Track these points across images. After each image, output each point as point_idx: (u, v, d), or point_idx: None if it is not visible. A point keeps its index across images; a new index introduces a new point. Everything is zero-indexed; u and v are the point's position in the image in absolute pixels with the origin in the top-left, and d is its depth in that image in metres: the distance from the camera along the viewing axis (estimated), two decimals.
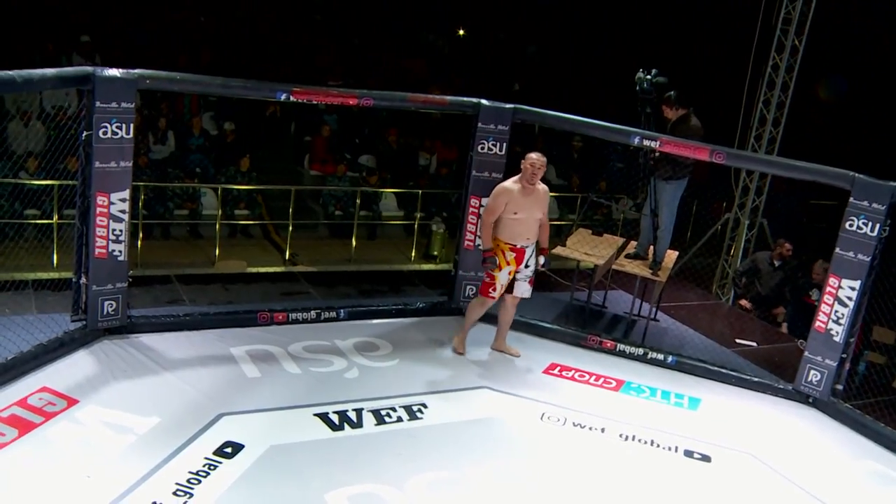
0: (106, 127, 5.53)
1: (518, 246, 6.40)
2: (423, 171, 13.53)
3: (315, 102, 6.61)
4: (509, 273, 6.45)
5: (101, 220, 5.76)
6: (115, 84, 5.52)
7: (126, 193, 5.85)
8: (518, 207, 6.31)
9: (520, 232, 6.38)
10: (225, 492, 4.52)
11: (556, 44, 18.24)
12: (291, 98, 6.29)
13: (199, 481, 4.56)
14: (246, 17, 15.47)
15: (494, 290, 6.46)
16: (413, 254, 11.89)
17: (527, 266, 6.51)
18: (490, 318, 6.87)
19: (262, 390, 5.76)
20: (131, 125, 5.67)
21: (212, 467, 4.71)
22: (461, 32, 18.38)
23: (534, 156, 6.34)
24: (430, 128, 14.17)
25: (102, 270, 5.90)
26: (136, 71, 5.62)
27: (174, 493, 4.42)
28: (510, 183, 6.40)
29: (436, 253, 11.70)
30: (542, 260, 6.63)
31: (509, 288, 6.53)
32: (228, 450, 4.92)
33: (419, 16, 17.57)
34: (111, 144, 5.61)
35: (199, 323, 6.54)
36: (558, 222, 13.56)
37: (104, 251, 5.85)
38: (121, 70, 5.55)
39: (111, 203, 5.77)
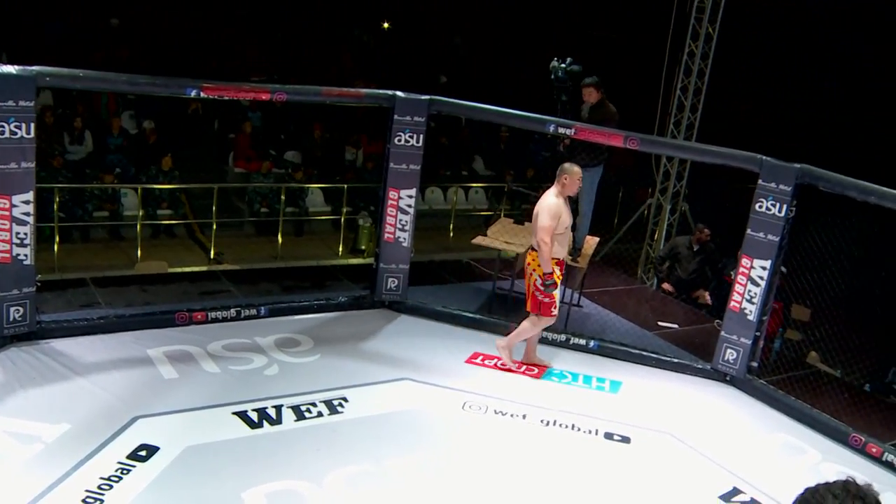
0: (3, 126, 5.35)
1: (561, 259, 6.46)
2: (350, 166, 13.48)
3: (227, 98, 6.47)
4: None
5: (2, 224, 5.57)
6: (11, 81, 5.34)
7: (30, 195, 5.67)
8: (566, 220, 6.36)
9: (564, 245, 6.46)
10: (138, 495, 4.43)
11: (481, 35, 18.29)
12: (202, 94, 6.16)
13: (111, 486, 4.46)
14: (168, 12, 15.16)
15: (555, 307, 6.42)
16: (340, 249, 11.85)
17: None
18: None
19: (179, 391, 5.66)
20: (32, 124, 5.49)
21: (125, 471, 4.61)
22: (386, 26, 18.30)
23: (577, 168, 6.37)
24: (356, 122, 14.11)
25: (7, 275, 5.72)
26: (35, 68, 5.44)
27: (83, 501, 4.31)
28: (556, 198, 6.30)
29: (363, 247, 11.68)
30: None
31: None
32: (143, 453, 4.82)
33: (344, 10, 17.45)
34: (10, 145, 5.43)
35: (114, 325, 6.39)
36: (487, 212, 13.69)
37: (7, 255, 5.67)
38: (17, 66, 5.37)
39: (13, 206, 5.58)
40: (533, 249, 6.38)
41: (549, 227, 6.20)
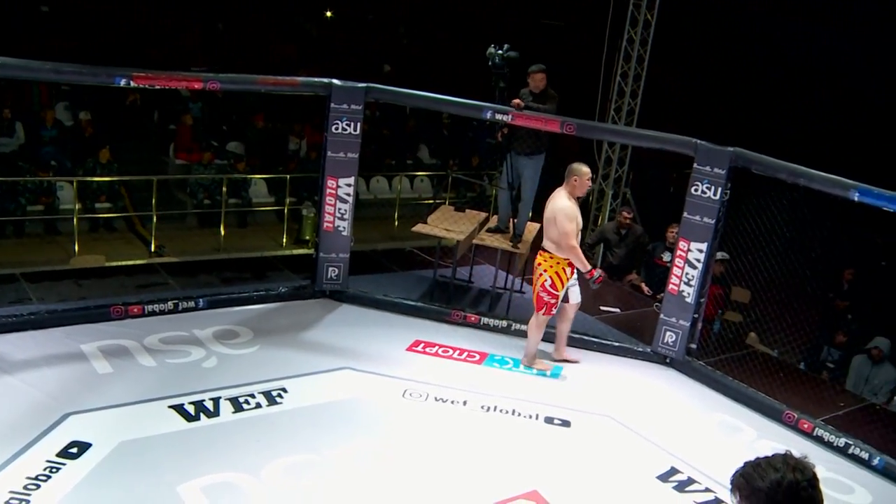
0: None
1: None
2: (294, 156, 13.34)
3: (159, 87, 6.34)
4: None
5: None
6: None
7: None
8: (580, 221, 6.44)
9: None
10: (67, 494, 4.33)
11: (425, 23, 18.25)
12: (132, 83, 6.05)
13: (38, 486, 4.35)
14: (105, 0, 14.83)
15: (556, 307, 6.48)
16: (285, 239, 11.74)
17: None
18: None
19: (113, 386, 5.56)
20: None
21: (54, 470, 4.51)
22: (329, 14, 18.14)
23: (587, 169, 6.39)
24: (299, 112, 13.96)
25: None
26: None
27: (6, 503, 4.20)
28: (568, 201, 6.34)
29: (308, 237, 11.56)
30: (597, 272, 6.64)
31: (565, 297, 6.51)
32: (74, 450, 4.72)
33: None
34: None
35: (45, 321, 6.24)
36: (431, 201, 13.64)
37: None
38: None
39: None
40: (544, 251, 6.40)
41: (571, 230, 6.25)
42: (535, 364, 6.63)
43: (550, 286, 6.35)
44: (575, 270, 6.45)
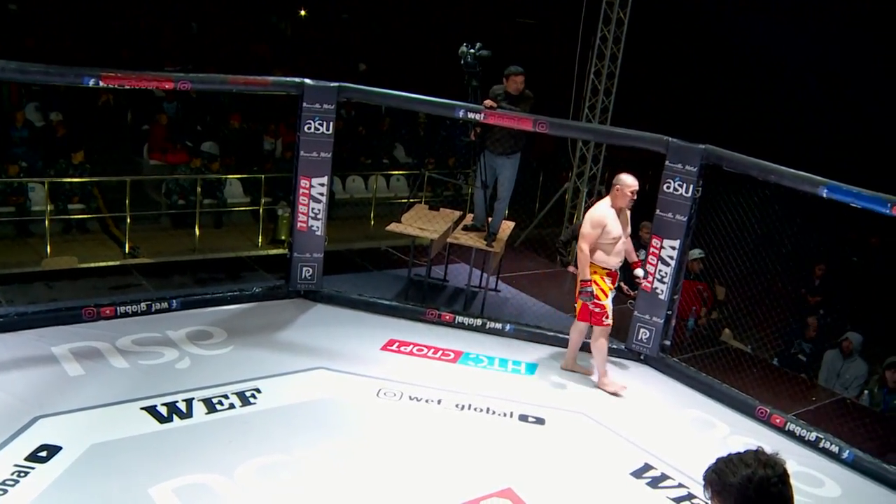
0: None
1: (613, 269, 6.37)
2: (269, 156, 13.27)
3: (129, 87, 6.27)
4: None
5: None
6: None
7: None
8: (615, 231, 6.24)
9: (614, 255, 6.32)
10: (35, 498, 4.28)
11: (400, 21, 18.23)
12: (101, 83, 6.00)
13: (5, 491, 4.29)
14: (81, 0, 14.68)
15: (607, 317, 6.31)
16: (260, 240, 11.69)
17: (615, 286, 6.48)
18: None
19: (84, 388, 5.51)
20: None
21: (22, 474, 4.45)
22: (303, 13, 18.08)
23: (631, 181, 6.24)
24: (275, 111, 13.89)
25: None
26: None
27: None
28: (604, 207, 6.28)
29: (283, 237, 11.49)
30: (640, 272, 6.70)
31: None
32: (43, 454, 4.67)
33: None
34: None
35: (15, 324, 6.17)
36: (407, 200, 13.63)
37: None
38: None
39: None
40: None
41: (588, 234, 6.20)
42: (607, 386, 6.43)
43: (591, 301, 6.25)
44: (617, 280, 6.42)
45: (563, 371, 6.73)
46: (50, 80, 6.21)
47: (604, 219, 6.22)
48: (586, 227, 6.24)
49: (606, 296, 6.30)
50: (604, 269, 6.29)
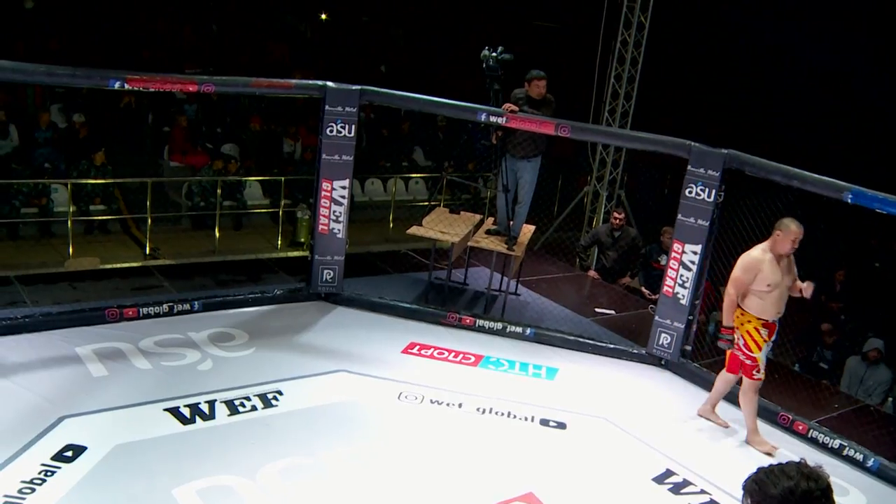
0: None
1: (770, 321, 5.77)
2: (289, 158, 13.34)
3: (153, 90, 6.31)
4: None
5: None
6: None
7: None
8: (771, 279, 5.64)
9: (772, 305, 5.72)
10: (62, 498, 4.31)
11: (421, 24, 18.25)
12: (126, 86, 6.04)
13: (33, 490, 4.34)
14: (102, 2, 14.78)
15: (759, 370, 5.80)
16: (279, 242, 11.74)
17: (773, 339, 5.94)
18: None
19: (108, 389, 5.55)
20: None
21: (49, 473, 4.49)
22: (324, 17, 18.14)
23: (795, 227, 5.61)
24: (294, 114, 13.96)
25: None
26: None
27: None
28: (759, 252, 5.71)
29: (303, 240, 11.56)
30: (809, 286, 5.85)
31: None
32: (69, 453, 4.71)
33: (280, 0, 17.26)
34: None
35: (41, 324, 6.23)
36: (426, 203, 13.67)
37: None
38: None
39: None
40: (738, 306, 5.80)
41: (737, 279, 5.69)
42: (758, 444, 5.88)
43: (744, 346, 5.78)
44: (775, 332, 5.85)
45: (583, 376, 6.70)
46: (76, 82, 6.28)
47: (759, 264, 5.65)
48: (737, 271, 5.71)
49: (760, 348, 5.75)
50: (759, 318, 5.72)
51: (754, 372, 5.80)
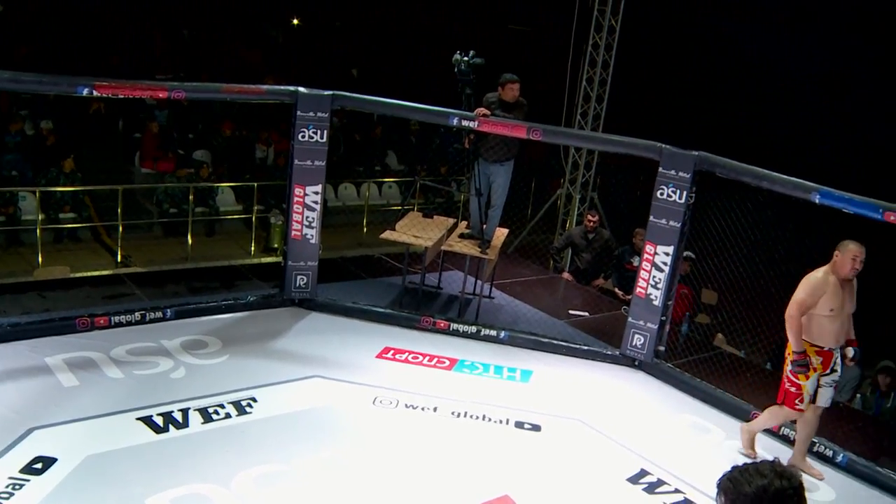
0: None
1: (826, 349, 5.43)
2: (261, 164, 13.28)
3: (123, 96, 6.26)
4: (816, 380, 5.48)
5: None
6: None
7: None
8: (835, 303, 5.31)
9: (831, 332, 5.39)
10: None
11: (393, 29, 18.25)
12: (95, 93, 5.97)
13: None
14: (71, 7, 14.64)
15: (802, 401, 5.44)
16: (253, 248, 11.68)
17: (833, 371, 5.49)
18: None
19: (79, 399, 5.48)
20: None
21: (16, 487, 4.42)
22: (295, 22, 18.09)
23: (854, 246, 5.30)
24: (266, 119, 13.91)
25: None
26: None
27: None
28: (823, 274, 5.36)
29: (276, 245, 11.52)
30: (850, 352, 5.54)
31: (814, 396, 5.51)
32: (38, 466, 4.64)
33: (252, 6, 17.20)
34: None
35: (8, 334, 6.13)
36: (399, 207, 13.68)
37: None
38: None
39: None
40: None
41: (800, 300, 5.34)
42: (745, 447, 5.76)
43: (791, 373, 5.44)
44: (832, 363, 5.46)
45: (557, 378, 6.74)
46: (43, 89, 6.19)
47: (823, 286, 5.32)
48: (800, 293, 5.36)
49: (807, 377, 5.41)
50: (813, 345, 5.41)
51: (797, 402, 5.46)
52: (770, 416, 5.72)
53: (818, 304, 5.32)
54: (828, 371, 5.46)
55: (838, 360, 5.49)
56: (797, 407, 5.47)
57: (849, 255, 5.29)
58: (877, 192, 5.71)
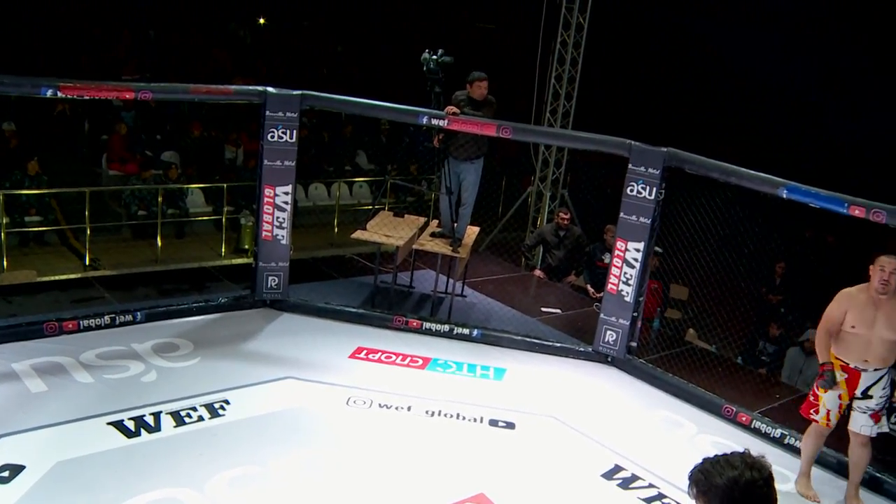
0: None
1: (851, 366, 5.21)
2: (231, 164, 13.18)
3: (88, 98, 6.18)
4: (839, 397, 5.25)
5: None
6: None
7: None
8: (857, 320, 5.11)
9: (855, 350, 5.17)
10: None
11: (361, 28, 18.20)
12: (59, 94, 5.90)
13: None
14: (35, 6, 14.41)
15: (817, 412, 5.29)
16: (223, 249, 11.59)
17: (867, 396, 5.22)
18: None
19: (48, 405, 5.40)
20: None
21: None
22: (262, 21, 17.98)
23: (885, 258, 5.05)
24: (235, 120, 13.81)
25: None
26: None
27: None
28: (855, 289, 5.19)
29: (247, 246, 11.44)
30: None
31: (845, 419, 5.28)
32: (5, 474, 4.56)
33: (219, 5, 17.06)
34: None
35: None
36: (370, 207, 13.63)
37: None
38: None
39: None
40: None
41: (828, 313, 5.21)
42: (801, 489, 5.48)
43: (816, 385, 5.31)
44: (859, 386, 5.21)
45: (530, 375, 6.76)
46: (5, 90, 6.08)
47: (849, 300, 5.16)
48: (830, 305, 5.24)
49: (826, 390, 5.25)
50: (838, 358, 5.26)
51: (812, 412, 5.35)
52: (806, 439, 5.54)
53: (845, 318, 5.16)
54: (857, 393, 5.24)
55: (878, 386, 5.21)
56: (811, 417, 5.36)
57: (876, 266, 5.07)
58: (840, 187, 5.79)
